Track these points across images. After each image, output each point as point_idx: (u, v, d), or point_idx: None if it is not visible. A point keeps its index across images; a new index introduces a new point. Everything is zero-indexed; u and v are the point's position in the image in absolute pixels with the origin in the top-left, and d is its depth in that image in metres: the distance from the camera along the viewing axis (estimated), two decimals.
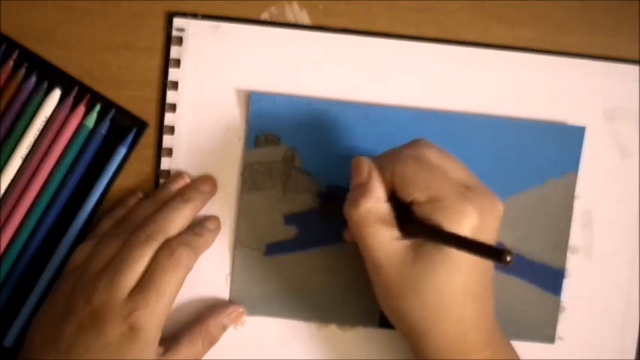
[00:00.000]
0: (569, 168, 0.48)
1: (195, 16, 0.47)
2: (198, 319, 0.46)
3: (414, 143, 0.42)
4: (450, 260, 0.39)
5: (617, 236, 0.49)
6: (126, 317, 0.40)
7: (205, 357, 0.45)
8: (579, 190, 0.49)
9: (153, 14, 0.47)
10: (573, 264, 0.49)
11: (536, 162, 0.48)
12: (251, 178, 0.47)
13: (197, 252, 0.43)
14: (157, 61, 0.47)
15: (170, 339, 0.44)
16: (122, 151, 0.46)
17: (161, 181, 0.47)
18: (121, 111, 0.47)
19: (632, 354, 0.49)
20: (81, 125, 0.46)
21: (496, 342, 0.42)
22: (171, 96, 0.47)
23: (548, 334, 0.49)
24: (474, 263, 0.39)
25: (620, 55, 0.49)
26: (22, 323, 0.46)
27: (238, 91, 0.47)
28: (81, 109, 0.46)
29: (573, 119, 0.48)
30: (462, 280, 0.39)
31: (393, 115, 0.47)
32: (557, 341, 0.49)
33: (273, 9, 0.47)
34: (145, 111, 0.47)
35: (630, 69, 0.49)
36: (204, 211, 0.47)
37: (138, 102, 0.47)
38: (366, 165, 0.41)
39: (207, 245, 0.46)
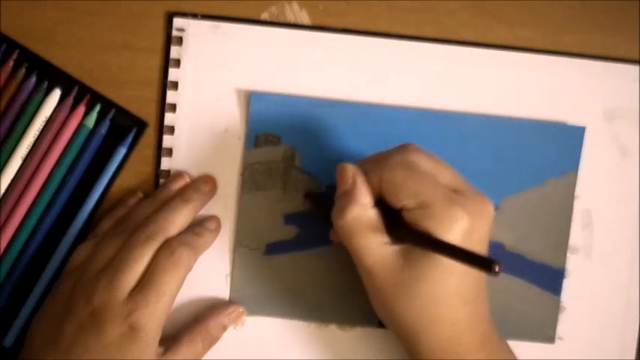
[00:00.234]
0: (569, 168, 0.48)
1: (195, 16, 0.47)
2: (198, 319, 0.46)
3: (403, 148, 0.42)
4: (441, 265, 0.39)
5: (617, 236, 0.49)
6: (126, 317, 0.40)
7: (205, 357, 0.45)
8: (579, 190, 0.49)
9: (153, 14, 0.47)
10: (573, 264, 0.49)
11: (536, 162, 0.48)
12: (251, 178, 0.47)
13: (197, 252, 0.43)
14: (157, 61, 0.47)
15: (170, 339, 0.44)
16: (122, 151, 0.46)
17: (161, 181, 0.47)
18: (121, 111, 0.47)
19: (632, 354, 0.49)
20: (81, 125, 0.46)
21: (492, 343, 0.42)
22: (171, 96, 0.47)
23: (548, 334, 0.49)
24: (467, 268, 0.39)
25: (620, 55, 0.49)
26: (22, 323, 0.46)
27: (238, 91, 0.47)
28: (81, 109, 0.46)
29: (573, 119, 0.48)
30: (455, 284, 0.39)
31: (393, 115, 0.47)
32: (557, 341, 0.49)
33: (273, 9, 0.47)
34: (145, 111, 0.47)
35: (630, 69, 0.49)
36: (204, 211, 0.47)
37: (138, 102, 0.47)
38: (350, 171, 0.41)
39: (207, 245, 0.46)
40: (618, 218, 0.49)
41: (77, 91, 0.46)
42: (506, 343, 0.44)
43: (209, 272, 0.47)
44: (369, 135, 0.47)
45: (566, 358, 0.49)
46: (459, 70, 0.48)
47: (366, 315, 0.47)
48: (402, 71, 0.48)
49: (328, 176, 0.47)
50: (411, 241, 0.40)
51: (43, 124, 0.46)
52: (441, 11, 0.48)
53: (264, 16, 0.47)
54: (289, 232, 0.47)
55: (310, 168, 0.47)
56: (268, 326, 0.48)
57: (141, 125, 0.47)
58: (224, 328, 0.46)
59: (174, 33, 0.47)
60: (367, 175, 0.41)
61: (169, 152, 0.47)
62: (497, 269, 0.34)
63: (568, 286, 0.49)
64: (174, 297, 0.42)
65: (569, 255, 0.49)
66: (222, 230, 0.47)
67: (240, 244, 0.47)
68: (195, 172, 0.47)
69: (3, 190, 0.45)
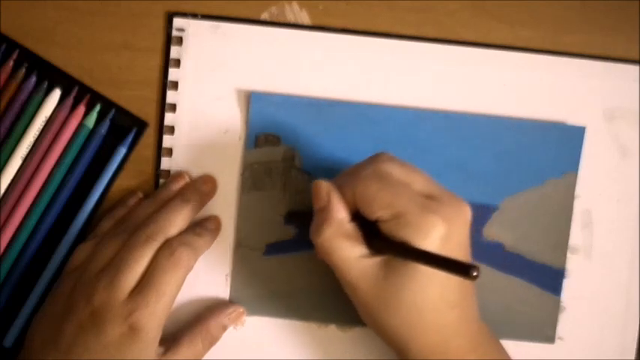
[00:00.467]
0: (569, 168, 0.48)
1: (195, 16, 0.47)
2: (199, 319, 0.46)
3: (374, 159, 0.42)
4: (422, 273, 0.39)
5: (617, 236, 0.49)
6: (126, 317, 0.40)
7: (205, 357, 0.45)
8: (579, 190, 0.49)
9: (153, 14, 0.47)
10: (573, 264, 0.49)
11: (536, 162, 0.48)
12: (251, 178, 0.47)
13: (197, 252, 0.43)
14: (157, 61, 0.47)
15: (170, 339, 0.44)
16: (122, 151, 0.46)
17: (161, 181, 0.47)
18: (121, 111, 0.47)
19: (632, 354, 0.49)
20: (81, 125, 0.46)
21: (483, 345, 0.42)
22: (171, 96, 0.47)
23: (548, 334, 0.49)
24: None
25: (620, 55, 0.49)
26: (22, 323, 0.46)
27: (238, 91, 0.47)
28: (81, 109, 0.46)
29: (573, 119, 0.48)
30: (438, 290, 0.39)
31: (393, 115, 0.47)
32: (557, 341, 0.49)
33: (273, 9, 0.47)
34: (145, 111, 0.47)
35: (630, 69, 0.49)
36: (204, 211, 0.47)
37: (138, 102, 0.47)
38: (323, 188, 0.41)
39: (208, 245, 0.46)
40: (618, 218, 0.49)
41: (77, 91, 0.46)
42: (500, 344, 0.44)
43: (209, 272, 0.47)
44: (369, 135, 0.47)
45: (566, 358, 0.49)
46: (459, 70, 0.48)
47: None
48: (402, 71, 0.48)
49: (328, 176, 0.47)
50: (389, 251, 0.40)
51: (43, 124, 0.46)
52: (441, 11, 0.48)
53: (264, 16, 0.47)
54: (289, 232, 0.47)
55: (310, 168, 0.47)
56: (268, 326, 0.48)
57: (141, 125, 0.47)
58: (224, 328, 0.46)
59: (174, 33, 0.47)
60: (341, 189, 0.41)
61: (169, 152, 0.47)
62: (474, 274, 0.34)
63: (568, 286, 0.49)
64: (174, 297, 0.42)
65: (569, 255, 0.49)
66: (222, 230, 0.47)
67: (240, 244, 0.47)
68: (195, 172, 0.47)
69: (3, 190, 0.45)
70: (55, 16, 0.46)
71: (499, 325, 0.48)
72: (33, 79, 0.46)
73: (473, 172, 0.48)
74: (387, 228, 0.39)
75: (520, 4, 0.48)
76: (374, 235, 0.40)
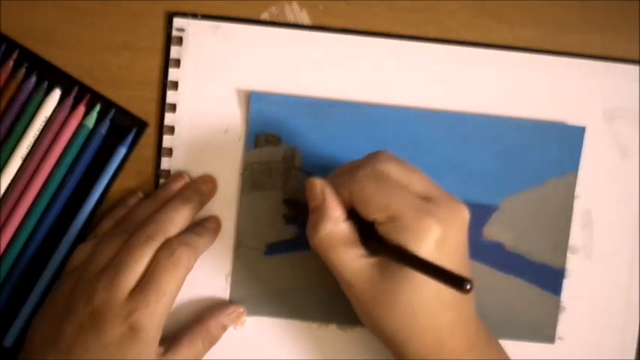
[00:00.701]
0: (569, 168, 0.48)
1: (195, 16, 0.47)
2: (199, 319, 0.46)
3: (373, 158, 0.41)
4: (416, 275, 0.39)
5: (617, 236, 0.49)
6: (126, 317, 0.40)
7: (205, 357, 0.45)
8: (579, 190, 0.49)
9: (153, 14, 0.47)
10: (573, 264, 0.49)
11: (536, 162, 0.48)
12: (251, 178, 0.47)
13: (197, 252, 0.43)
14: (157, 61, 0.47)
15: (170, 339, 0.44)
16: (122, 151, 0.46)
17: (161, 181, 0.47)
18: (121, 111, 0.47)
19: (632, 354, 0.49)
20: (81, 125, 0.46)
21: (481, 346, 0.42)
22: (171, 96, 0.47)
23: (548, 334, 0.49)
24: None
25: (620, 55, 0.49)
26: (22, 323, 0.46)
27: (238, 91, 0.47)
28: (81, 109, 0.46)
29: (573, 119, 0.48)
30: (434, 292, 0.39)
31: (393, 115, 0.47)
32: (557, 341, 0.49)
33: (273, 9, 0.47)
34: (145, 111, 0.47)
35: (630, 69, 0.49)
36: (204, 211, 0.47)
37: (138, 102, 0.47)
38: (318, 187, 0.41)
39: (208, 245, 0.46)
40: (618, 218, 0.49)
41: (77, 91, 0.46)
42: (498, 344, 0.44)
43: (209, 272, 0.47)
44: (369, 135, 0.47)
45: (566, 358, 0.49)
46: (459, 70, 0.48)
47: None
48: (402, 71, 0.48)
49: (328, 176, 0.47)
50: (385, 254, 0.39)
51: (43, 124, 0.46)
52: (441, 11, 0.48)
53: (264, 16, 0.47)
54: (289, 232, 0.47)
55: (310, 168, 0.47)
56: (268, 326, 0.48)
57: (141, 125, 0.47)
58: (224, 328, 0.46)
59: (174, 33, 0.47)
60: (338, 188, 0.41)
61: (169, 152, 0.47)
62: (468, 287, 0.34)
63: (568, 286, 0.49)
64: (174, 297, 0.42)
65: (569, 255, 0.49)
66: (222, 230, 0.47)
67: (240, 244, 0.47)
68: (195, 172, 0.47)
69: (3, 190, 0.45)
70: (55, 16, 0.46)
71: (499, 325, 0.48)
72: (33, 79, 0.46)
73: (473, 172, 0.48)
74: (384, 230, 0.39)
75: (520, 4, 0.48)
76: (370, 235, 0.40)
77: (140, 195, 0.47)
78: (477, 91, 0.48)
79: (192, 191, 0.46)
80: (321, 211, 0.40)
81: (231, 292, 0.48)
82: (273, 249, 0.47)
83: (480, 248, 0.48)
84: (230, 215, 0.47)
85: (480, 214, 0.48)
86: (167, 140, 0.47)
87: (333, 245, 0.40)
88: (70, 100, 0.46)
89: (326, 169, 0.47)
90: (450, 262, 0.38)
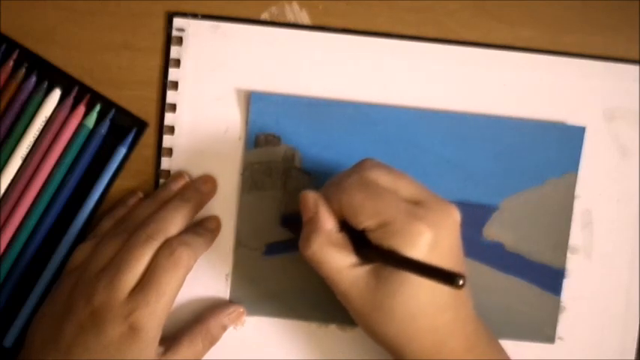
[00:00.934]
0: (569, 168, 0.48)
1: (195, 16, 0.47)
2: (199, 319, 0.46)
3: (359, 167, 0.41)
4: (412, 278, 0.39)
5: (617, 236, 0.49)
6: (126, 317, 0.40)
7: (205, 357, 0.45)
8: (579, 190, 0.49)
9: (153, 14, 0.47)
10: (573, 264, 0.49)
11: (536, 162, 0.48)
12: (251, 178, 0.47)
13: (197, 252, 0.43)
14: (157, 61, 0.47)
15: (170, 339, 0.44)
16: (122, 151, 0.46)
17: (161, 181, 0.47)
18: (121, 111, 0.47)
19: (632, 354, 0.49)
20: (81, 125, 0.46)
21: (480, 345, 0.42)
22: (171, 96, 0.47)
23: (548, 334, 0.49)
24: None
25: (620, 55, 0.49)
26: (22, 323, 0.46)
27: (238, 91, 0.47)
28: (81, 109, 0.46)
29: (573, 119, 0.48)
30: (429, 295, 0.39)
31: (393, 115, 0.47)
32: (557, 341, 0.49)
33: (273, 9, 0.47)
34: (145, 111, 0.47)
35: (630, 69, 0.49)
36: (204, 211, 0.47)
37: (138, 102, 0.47)
38: (311, 199, 0.41)
39: (208, 245, 0.46)
40: (618, 218, 0.49)
41: (77, 91, 0.46)
42: (497, 343, 0.44)
43: (209, 272, 0.47)
44: (369, 135, 0.47)
45: (566, 358, 0.49)
46: (459, 70, 0.48)
47: None
48: (402, 71, 0.48)
49: (328, 176, 0.47)
50: (377, 259, 0.39)
51: (43, 124, 0.46)
52: (440, 11, 0.48)
53: (264, 16, 0.47)
54: (289, 232, 0.47)
55: (310, 168, 0.47)
56: (268, 326, 0.48)
57: (141, 125, 0.47)
58: (224, 328, 0.46)
59: (174, 33, 0.47)
60: (328, 200, 0.41)
61: (169, 152, 0.47)
62: (460, 283, 0.34)
63: (568, 286, 0.49)
64: (174, 297, 0.42)
65: (569, 255, 0.49)
66: (222, 230, 0.47)
67: (240, 244, 0.47)
68: (195, 172, 0.47)
69: (3, 190, 0.45)
70: (55, 16, 0.46)
71: (499, 325, 0.48)
72: (33, 79, 0.46)
73: (473, 172, 0.48)
74: (375, 237, 0.39)
75: (520, 4, 0.48)
76: (363, 243, 0.40)
77: (140, 195, 0.47)
78: (477, 91, 0.48)
79: (192, 191, 0.46)
80: (313, 223, 0.40)
81: (231, 292, 0.48)
82: (273, 249, 0.47)
83: (480, 248, 0.48)
84: (230, 215, 0.47)
85: (480, 214, 0.48)
86: (167, 140, 0.47)
87: (327, 256, 0.40)
88: (70, 100, 0.46)
89: (326, 169, 0.47)
90: (444, 264, 0.38)
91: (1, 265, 0.45)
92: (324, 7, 0.47)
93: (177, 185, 0.46)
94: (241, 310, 0.47)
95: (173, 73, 0.47)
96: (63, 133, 0.46)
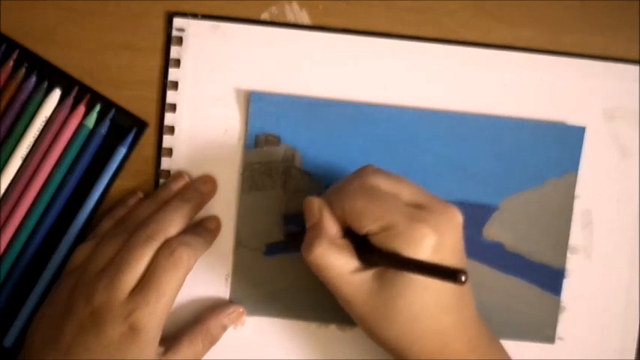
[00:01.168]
0: (569, 168, 0.48)
1: (195, 16, 0.47)
2: (199, 319, 0.46)
3: (360, 173, 0.42)
4: (415, 281, 0.39)
5: (617, 236, 0.49)
6: (126, 317, 0.40)
7: (205, 357, 0.45)
8: (579, 190, 0.49)
9: (153, 14, 0.47)
10: (573, 264, 0.49)
11: (536, 162, 0.48)
12: (251, 178, 0.47)
13: (197, 252, 0.43)
14: (157, 61, 0.47)
15: (170, 339, 0.44)
16: (122, 151, 0.46)
17: (161, 181, 0.47)
18: (121, 111, 0.47)
19: (632, 354, 0.49)
20: (81, 125, 0.46)
21: (482, 347, 0.42)
22: (171, 96, 0.47)
23: (548, 334, 0.49)
24: None
25: (620, 55, 0.49)
26: (22, 323, 0.46)
27: (238, 91, 0.47)
28: (81, 109, 0.46)
29: (573, 119, 0.48)
30: (433, 297, 0.39)
31: (393, 115, 0.47)
32: (557, 341, 0.49)
33: (273, 9, 0.47)
34: (145, 111, 0.47)
35: (630, 69, 0.49)
36: (204, 211, 0.47)
37: (138, 102, 0.47)
38: (315, 205, 0.41)
39: (208, 245, 0.46)
40: (618, 218, 0.49)
41: (77, 91, 0.46)
42: (499, 344, 0.44)
43: (209, 272, 0.47)
44: (369, 135, 0.47)
45: (566, 358, 0.49)
46: (459, 70, 0.48)
47: None
48: (402, 71, 0.48)
49: (328, 176, 0.47)
50: (380, 262, 0.40)
51: (43, 124, 0.46)
52: (440, 11, 0.48)
53: (264, 16, 0.47)
54: (289, 232, 0.47)
55: (310, 168, 0.47)
56: (268, 326, 0.48)
57: (141, 125, 0.47)
58: (224, 328, 0.46)
59: (174, 33, 0.47)
60: (331, 206, 0.41)
61: (169, 152, 0.47)
62: (463, 279, 0.34)
63: (568, 286, 0.49)
64: (174, 297, 0.42)
65: (569, 255, 0.49)
66: (222, 230, 0.47)
67: (240, 244, 0.47)
68: (195, 172, 0.47)
69: (3, 190, 0.45)
70: (55, 16, 0.46)
71: (499, 325, 0.48)
72: (33, 79, 0.46)
73: (473, 172, 0.48)
74: (378, 240, 0.39)
75: (520, 4, 0.48)
76: (366, 248, 0.40)
77: (140, 195, 0.47)
78: (477, 91, 0.48)
79: (192, 191, 0.46)
80: (317, 228, 0.41)
81: (231, 292, 0.48)
82: (273, 249, 0.47)
83: (480, 248, 0.48)
84: (230, 215, 0.47)
85: (480, 214, 0.48)
86: (167, 140, 0.47)
87: (330, 261, 0.40)
88: (70, 100, 0.46)
89: (326, 169, 0.47)
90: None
91: (1, 265, 0.45)
92: (324, 7, 0.48)
93: (177, 185, 0.46)
94: (241, 310, 0.47)
95: (173, 73, 0.47)
96: (63, 133, 0.46)
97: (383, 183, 0.41)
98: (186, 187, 0.46)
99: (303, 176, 0.47)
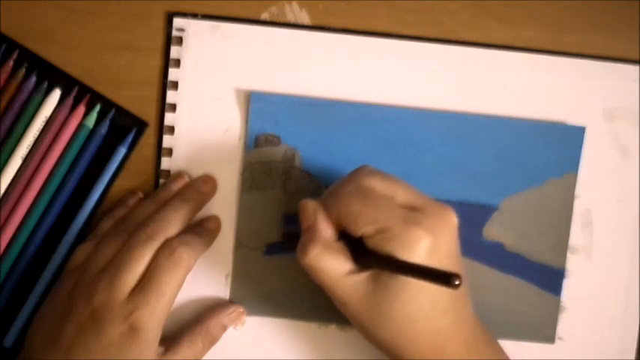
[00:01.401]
0: (569, 168, 0.48)
1: (195, 16, 0.47)
2: (199, 319, 0.46)
3: (355, 174, 0.41)
4: (410, 283, 0.39)
5: (617, 236, 0.49)
6: (126, 317, 0.40)
7: (205, 357, 0.45)
8: (579, 190, 0.49)
9: (153, 14, 0.47)
10: (573, 264, 0.49)
11: (536, 162, 0.48)
12: (251, 178, 0.47)
13: (197, 252, 0.43)
14: (157, 61, 0.47)
15: (170, 339, 0.44)
16: (122, 151, 0.46)
17: (161, 181, 0.47)
18: (121, 111, 0.47)
19: (632, 354, 0.49)
20: (81, 125, 0.46)
21: (479, 347, 0.42)
22: (171, 96, 0.47)
23: (548, 334, 0.49)
24: None
25: (620, 55, 0.49)
26: (22, 323, 0.46)
27: (238, 91, 0.47)
28: (81, 109, 0.46)
29: (573, 119, 0.48)
30: (429, 298, 0.39)
31: (393, 115, 0.47)
32: (557, 341, 0.49)
33: (273, 9, 0.47)
34: (145, 111, 0.47)
35: (630, 69, 0.49)
36: (204, 211, 0.47)
37: (138, 102, 0.47)
38: (310, 208, 0.41)
39: (208, 245, 0.46)
40: (618, 218, 0.49)
41: (77, 91, 0.46)
42: (496, 344, 0.44)
43: (209, 272, 0.47)
44: (369, 135, 0.47)
45: (566, 358, 0.49)
46: (459, 70, 0.48)
47: None
48: (402, 71, 0.48)
49: (328, 176, 0.47)
50: (374, 265, 0.39)
51: (43, 124, 0.46)
52: (440, 11, 0.48)
53: (264, 16, 0.47)
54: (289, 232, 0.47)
55: (310, 168, 0.47)
56: (268, 326, 0.48)
57: (141, 125, 0.47)
58: (224, 328, 0.46)
59: (174, 33, 0.47)
60: (326, 209, 0.41)
61: (169, 152, 0.47)
62: (456, 282, 0.34)
63: (568, 286, 0.49)
64: (174, 297, 0.42)
65: (569, 255, 0.49)
66: (222, 230, 0.47)
67: (240, 244, 0.47)
68: (195, 172, 0.47)
69: (3, 190, 0.45)
70: (55, 16, 0.46)
71: (499, 325, 0.48)
72: (33, 79, 0.46)
73: (473, 172, 0.48)
74: (373, 243, 0.39)
75: (520, 4, 0.48)
76: (361, 251, 0.40)
77: (140, 195, 0.47)
78: (477, 91, 0.48)
79: (192, 191, 0.46)
80: (311, 231, 0.41)
81: (231, 292, 0.48)
82: (273, 249, 0.47)
83: (480, 248, 0.48)
84: (230, 215, 0.47)
85: (480, 214, 0.48)
86: (167, 140, 0.47)
87: (324, 264, 0.40)
88: (70, 100, 0.46)
89: (326, 169, 0.47)
90: (443, 268, 0.38)
91: (1, 265, 0.45)
92: (324, 7, 0.48)
93: (177, 185, 0.46)
94: (241, 310, 0.47)
95: (173, 73, 0.47)
96: (63, 133, 0.46)
97: (378, 185, 0.40)
98: (186, 187, 0.46)
99: (303, 176, 0.47)
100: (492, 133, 0.48)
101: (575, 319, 0.49)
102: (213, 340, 0.46)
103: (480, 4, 0.48)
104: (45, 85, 0.46)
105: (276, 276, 0.47)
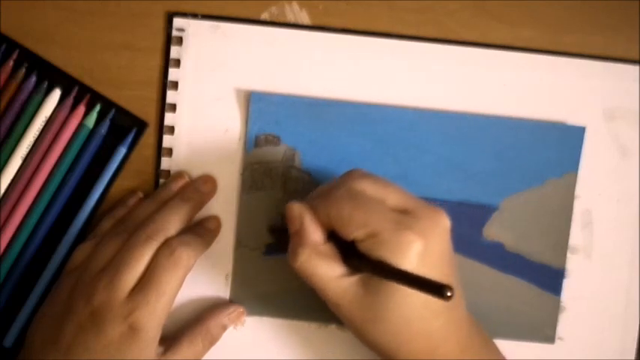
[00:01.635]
0: (569, 168, 0.48)
1: (195, 16, 0.47)
2: (199, 319, 0.46)
3: (347, 177, 0.41)
4: (401, 286, 0.38)
5: (617, 236, 0.49)
6: (126, 317, 0.40)
7: (205, 357, 0.45)
8: (579, 190, 0.49)
9: (153, 14, 0.47)
10: (573, 264, 0.49)
11: (536, 162, 0.48)
12: (251, 178, 0.47)
13: (197, 252, 0.43)
14: (157, 61, 0.47)
15: (170, 339, 0.44)
16: (122, 151, 0.46)
17: (161, 181, 0.47)
18: (121, 111, 0.47)
19: (632, 354, 0.49)
20: (81, 125, 0.46)
21: (474, 348, 0.42)
22: (171, 96, 0.47)
23: (548, 334, 0.49)
24: None
25: (620, 55, 0.49)
26: (22, 323, 0.46)
27: (238, 91, 0.47)
28: (81, 109, 0.46)
29: (573, 119, 0.48)
30: (421, 300, 0.39)
31: (393, 115, 0.47)
32: (557, 341, 0.49)
33: (273, 9, 0.47)
34: (145, 111, 0.47)
35: (630, 69, 0.49)
36: (204, 211, 0.47)
37: (138, 102, 0.47)
38: (296, 211, 0.41)
39: (208, 245, 0.46)
40: (618, 218, 0.49)
41: (77, 91, 0.46)
42: (492, 343, 0.44)
43: (209, 272, 0.47)
44: (369, 135, 0.47)
45: (566, 358, 0.49)
46: (459, 70, 0.48)
47: None
48: (402, 71, 0.48)
49: (328, 176, 0.47)
50: (367, 270, 0.39)
51: (43, 124, 0.46)
52: (440, 11, 0.48)
53: (264, 16, 0.47)
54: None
55: (310, 168, 0.47)
56: (268, 326, 0.48)
57: (141, 125, 0.47)
58: (224, 328, 0.46)
59: (174, 33, 0.47)
60: (316, 211, 0.41)
61: (169, 152, 0.47)
62: (449, 294, 0.34)
63: (568, 286, 0.49)
64: (174, 296, 0.42)
65: (569, 255, 0.49)
66: (222, 230, 0.47)
67: (240, 244, 0.47)
68: (195, 172, 0.47)
69: (3, 190, 0.45)
70: (55, 16, 0.46)
71: (499, 325, 0.48)
72: (33, 79, 0.46)
73: (473, 172, 0.48)
74: (364, 247, 0.39)
75: (520, 4, 0.48)
76: (352, 253, 0.40)
77: (140, 195, 0.47)
78: (477, 91, 0.48)
79: (192, 191, 0.46)
80: (299, 235, 0.40)
81: (231, 292, 0.48)
82: (272, 249, 0.47)
83: (480, 248, 0.48)
84: (230, 215, 0.47)
85: (480, 214, 0.48)
86: (167, 140, 0.47)
87: (315, 268, 0.40)
88: (70, 100, 0.46)
89: (326, 169, 0.47)
90: (435, 272, 0.38)
91: (1, 265, 0.45)
92: (324, 7, 0.48)
93: (177, 185, 0.46)
94: (241, 310, 0.47)
95: (173, 73, 0.47)
96: (63, 133, 0.46)
97: (369, 188, 0.40)
98: (186, 187, 0.46)
99: (303, 176, 0.47)
100: (492, 133, 0.48)
101: (575, 319, 0.49)
102: (213, 340, 0.46)
103: (480, 4, 0.48)
104: (45, 85, 0.46)
105: (276, 276, 0.47)
